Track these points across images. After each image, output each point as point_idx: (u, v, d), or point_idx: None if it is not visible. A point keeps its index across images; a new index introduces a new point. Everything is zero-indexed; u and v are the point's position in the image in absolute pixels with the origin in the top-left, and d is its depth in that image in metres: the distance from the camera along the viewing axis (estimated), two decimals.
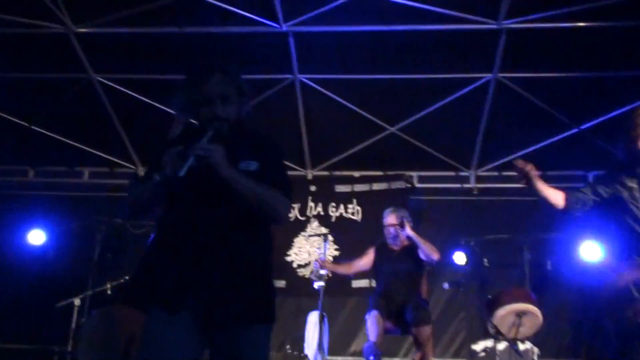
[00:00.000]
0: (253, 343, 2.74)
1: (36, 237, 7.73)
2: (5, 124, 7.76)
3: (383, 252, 6.36)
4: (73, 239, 7.81)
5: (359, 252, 6.63)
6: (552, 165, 7.87)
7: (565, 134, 7.43)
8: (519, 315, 5.86)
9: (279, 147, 3.00)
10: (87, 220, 7.59)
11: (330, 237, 7.65)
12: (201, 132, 2.81)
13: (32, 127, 7.82)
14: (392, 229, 6.31)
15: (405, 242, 6.34)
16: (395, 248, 6.36)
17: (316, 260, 6.28)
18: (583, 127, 7.33)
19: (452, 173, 8.14)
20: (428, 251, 6.02)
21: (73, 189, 8.42)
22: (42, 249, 7.81)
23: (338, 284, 7.32)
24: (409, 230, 6.14)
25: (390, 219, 6.37)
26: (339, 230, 7.80)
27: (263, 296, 2.81)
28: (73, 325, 6.51)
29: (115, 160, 8.36)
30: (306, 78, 7.12)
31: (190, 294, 2.67)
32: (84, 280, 7.38)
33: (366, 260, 6.44)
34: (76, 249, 7.93)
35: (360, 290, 7.58)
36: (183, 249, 2.72)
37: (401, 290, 6.03)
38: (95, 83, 7.25)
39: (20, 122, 7.79)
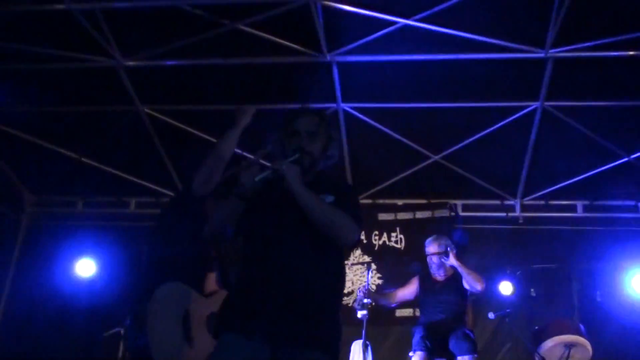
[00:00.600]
0: None
1: (85, 267, 7.89)
2: (55, 156, 7.98)
3: (426, 282, 6.38)
4: (120, 269, 7.96)
5: (402, 281, 6.66)
6: (601, 195, 7.83)
7: (614, 164, 7.38)
8: (568, 347, 5.82)
9: (354, 188, 3.28)
10: (134, 250, 7.75)
11: (373, 266, 7.70)
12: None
13: (82, 158, 8.04)
14: (435, 258, 6.34)
15: (450, 272, 6.35)
16: (439, 278, 6.38)
17: (359, 289, 6.33)
18: (633, 156, 7.28)
19: (497, 202, 8.12)
20: (472, 281, 6.02)
21: (120, 219, 8.59)
22: (91, 279, 7.97)
23: (381, 313, 7.32)
24: (452, 259, 6.17)
25: (432, 247, 6.41)
26: (382, 258, 7.84)
27: (329, 327, 2.88)
28: (120, 354, 6.63)
29: (161, 190, 8.51)
30: (349, 107, 7.20)
31: (260, 318, 2.78)
32: (125, 311, 7.51)
33: (410, 289, 6.46)
34: (124, 279, 8.09)
35: (404, 319, 7.58)
36: (257, 276, 2.86)
37: (445, 321, 6.05)
38: (143, 114, 7.42)
39: (69, 153, 8.01)
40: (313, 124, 3.07)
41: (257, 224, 2.97)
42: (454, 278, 6.29)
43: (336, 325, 2.93)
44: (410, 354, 5.90)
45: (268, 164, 2.95)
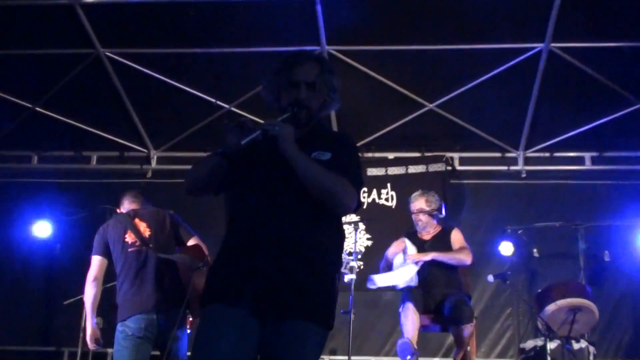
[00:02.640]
0: (302, 341, 2.78)
1: (41, 229, 7.84)
2: (6, 105, 7.89)
3: (413, 242, 6.38)
4: (81, 231, 7.92)
5: (392, 241, 6.66)
6: (610, 146, 7.83)
7: (625, 111, 7.37)
8: (573, 311, 5.85)
9: (354, 143, 3.16)
10: (96, 210, 7.71)
11: (361, 226, 7.67)
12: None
13: (36, 108, 7.94)
14: (422, 216, 6.36)
15: (437, 228, 6.39)
16: (427, 236, 6.40)
17: (345, 251, 6.32)
18: None
19: (497, 154, 8.14)
20: (458, 261, 6.07)
21: (80, 175, 8.57)
22: (48, 241, 7.92)
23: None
24: (417, 256, 6.14)
25: (417, 203, 6.41)
26: (372, 217, 7.79)
27: (322, 296, 2.86)
28: (83, 324, 6.59)
29: (126, 143, 8.49)
30: (335, 50, 7.13)
31: (247, 286, 2.77)
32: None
33: (396, 250, 6.47)
34: (85, 241, 8.03)
35: None
36: (245, 241, 2.84)
37: (438, 284, 6.07)
38: (104, 58, 7.32)
39: (22, 102, 7.92)
40: (313, 74, 3.00)
41: (246, 184, 2.95)
42: (443, 235, 6.32)
43: (333, 294, 2.93)
44: (400, 310, 5.91)
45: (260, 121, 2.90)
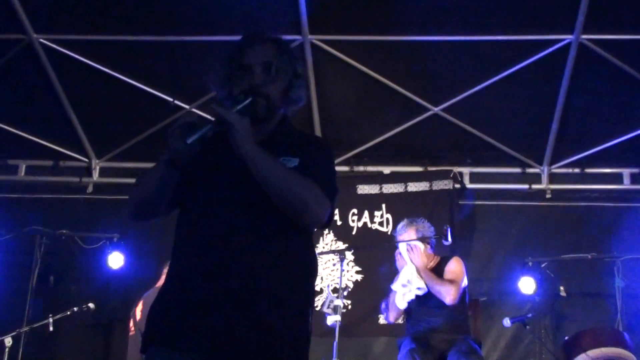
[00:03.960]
0: None
1: None
2: None
3: None
4: (4, 256, 7.87)
5: (389, 276, 6.64)
6: None
7: None
8: None
9: (327, 145, 3.13)
10: (23, 232, 7.66)
11: (349, 255, 7.68)
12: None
13: None
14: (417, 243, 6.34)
15: (434, 262, 6.37)
16: None
17: (329, 286, 6.31)
18: None
19: (516, 169, 8.16)
20: (437, 292, 6.03)
21: (5, 189, 8.51)
22: None
23: (360, 318, 7.34)
24: (410, 258, 6.16)
25: (406, 236, 6.41)
26: (362, 245, 7.81)
27: (290, 338, 2.82)
28: None
29: (62, 150, 8.44)
30: (319, 40, 7.14)
31: (195, 325, 2.74)
32: (18, 311, 7.45)
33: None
34: (8, 270, 7.98)
35: (390, 328, 7.57)
36: (192, 267, 2.82)
37: (440, 330, 6.03)
38: (37, 46, 7.29)
39: None
40: (269, 55, 3.00)
41: (194, 197, 2.94)
42: (440, 266, 6.29)
43: (305, 336, 2.90)
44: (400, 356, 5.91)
45: (208, 117, 2.87)
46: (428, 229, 6.37)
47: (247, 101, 2.88)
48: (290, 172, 2.82)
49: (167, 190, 2.89)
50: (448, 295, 5.97)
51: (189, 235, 2.90)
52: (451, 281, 6.07)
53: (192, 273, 2.81)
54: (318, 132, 7.83)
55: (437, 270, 6.26)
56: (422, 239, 6.31)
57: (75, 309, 7.02)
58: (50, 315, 6.89)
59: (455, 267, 6.22)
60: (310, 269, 2.99)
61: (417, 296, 6.18)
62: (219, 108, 2.79)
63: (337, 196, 2.98)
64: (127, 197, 3.05)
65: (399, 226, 6.49)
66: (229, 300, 2.74)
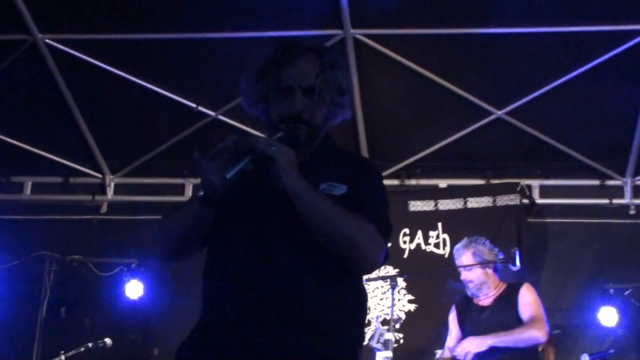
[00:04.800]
0: None
1: None
2: None
3: (466, 311, 6.49)
4: (9, 285, 7.93)
5: (447, 305, 6.63)
6: None
7: None
8: None
9: (377, 170, 3.18)
10: (30, 258, 7.70)
11: (401, 282, 7.63)
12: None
13: None
14: (471, 274, 6.41)
15: (501, 287, 6.43)
16: (485, 301, 6.45)
17: (378, 318, 6.27)
18: None
19: (595, 182, 8.09)
20: (527, 342, 6.04)
21: (9, 209, 8.58)
22: None
23: (414, 354, 7.32)
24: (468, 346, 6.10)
25: (464, 259, 6.44)
26: (415, 271, 7.77)
27: None
28: None
29: (73, 165, 8.51)
30: (363, 34, 7.13)
31: None
32: (26, 348, 7.48)
33: (453, 335, 6.50)
34: (14, 301, 8.03)
35: None
36: (228, 310, 2.85)
37: None
38: (42, 47, 7.33)
39: None
40: (312, 74, 3.01)
41: (228, 231, 2.97)
42: (509, 296, 6.31)
43: None
44: None
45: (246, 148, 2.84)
46: (489, 252, 6.42)
47: (284, 132, 2.93)
48: (342, 212, 2.83)
49: (202, 229, 2.94)
50: (539, 336, 6.05)
51: (224, 275, 2.91)
52: (532, 319, 6.09)
53: (230, 310, 2.84)
54: (363, 141, 7.89)
55: (506, 301, 6.28)
56: (482, 264, 6.28)
57: (89, 344, 7.05)
58: (62, 352, 6.91)
59: (530, 298, 6.25)
60: (361, 308, 3.02)
61: (474, 329, 6.27)
62: (258, 143, 2.79)
63: (391, 233, 3.01)
64: (146, 217, 3.08)
65: (456, 247, 6.54)
66: (273, 345, 2.77)
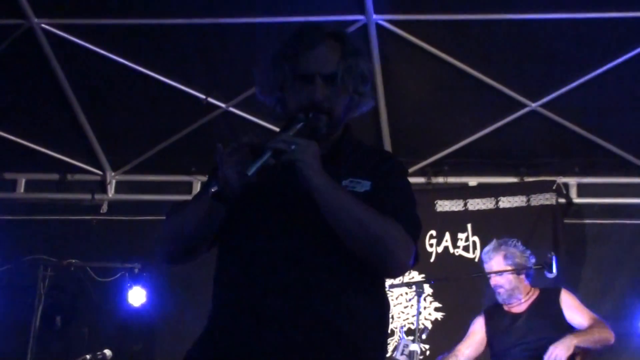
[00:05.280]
0: None
1: None
2: None
3: (496, 318, 6.47)
4: (1, 292, 7.92)
5: (476, 313, 6.66)
6: None
7: None
8: None
9: (402, 165, 3.17)
10: (24, 261, 7.70)
11: (427, 289, 7.64)
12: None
13: None
14: (501, 279, 6.38)
15: (533, 293, 6.43)
16: (518, 308, 6.42)
17: (402, 328, 6.33)
18: None
19: (638, 179, 8.09)
20: (602, 344, 6.10)
21: (1, 208, 8.57)
22: None
23: None
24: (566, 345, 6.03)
25: (494, 263, 6.43)
26: (443, 276, 7.75)
27: None
28: None
29: (70, 161, 8.51)
30: (386, 20, 7.12)
31: None
32: (20, 357, 7.49)
33: (474, 342, 6.50)
34: (6, 308, 8.02)
35: None
36: (244, 313, 2.84)
37: None
38: (38, 32, 7.32)
39: None
40: (333, 61, 3.01)
41: (244, 229, 2.96)
42: (546, 302, 6.32)
43: None
44: None
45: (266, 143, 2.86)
46: (521, 255, 6.42)
47: (304, 123, 2.94)
48: (369, 211, 2.83)
49: (212, 228, 2.93)
50: (610, 340, 6.11)
51: (240, 276, 2.91)
52: (594, 321, 6.13)
53: (246, 317, 2.84)
54: (386, 135, 7.90)
55: (543, 307, 6.31)
56: (516, 270, 6.25)
57: (87, 356, 7.04)
58: None
59: (575, 302, 6.35)
60: (385, 316, 3.04)
61: (506, 340, 6.31)
62: (278, 142, 2.81)
63: (420, 233, 3.02)
64: (150, 217, 3.06)
65: (485, 250, 6.53)
66: (291, 351, 2.77)
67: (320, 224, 2.82)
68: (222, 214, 2.89)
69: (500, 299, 6.42)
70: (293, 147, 2.79)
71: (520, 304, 6.38)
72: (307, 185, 2.80)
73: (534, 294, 6.39)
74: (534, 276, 6.46)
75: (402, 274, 3.05)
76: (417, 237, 2.95)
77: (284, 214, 2.92)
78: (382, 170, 3.02)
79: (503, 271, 6.31)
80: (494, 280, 6.38)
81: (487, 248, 6.52)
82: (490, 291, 6.57)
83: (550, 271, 6.30)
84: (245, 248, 2.92)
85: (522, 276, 6.36)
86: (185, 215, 2.96)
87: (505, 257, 6.36)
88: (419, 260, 2.97)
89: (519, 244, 6.48)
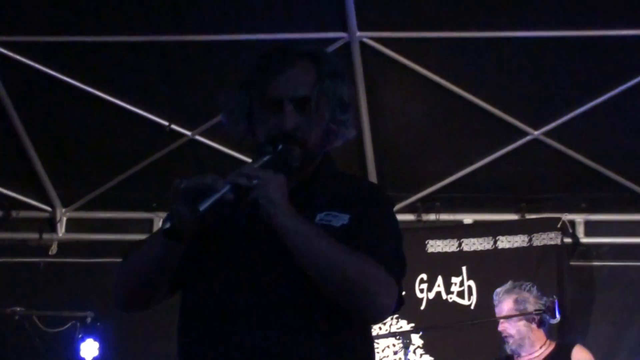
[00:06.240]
0: None
1: None
2: None
3: None
4: None
5: None
6: None
7: None
8: None
9: (386, 197, 3.18)
10: None
11: (416, 340, 7.69)
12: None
13: None
14: (509, 327, 6.41)
15: (548, 347, 6.44)
16: None
17: None
18: None
19: None
20: None
21: None
22: None
23: None
24: None
25: (504, 305, 6.47)
26: (435, 324, 7.81)
27: None
28: None
29: (15, 195, 8.49)
30: (370, 37, 7.17)
31: None
32: None
33: None
34: None
35: None
36: None
37: None
38: None
39: None
40: (306, 83, 2.99)
41: (206, 273, 2.95)
42: (556, 357, 6.34)
43: None
44: None
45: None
46: (535, 301, 6.41)
47: (272, 156, 2.91)
48: (342, 250, 2.80)
49: (168, 271, 2.91)
50: None
51: (201, 326, 2.91)
52: None
53: None
54: (371, 166, 7.91)
55: (556, 352, 6.35)
56: (520, 315, 6.31)
57: None
58: None
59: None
60: None
61: None
62: (239, 176, 2.79)
63: (404, 275, 2.99)
64: (105, 260, 3.08)
65: (497, 291, 6.57)
66: None
67: (293, 265, 2.79)
68: (179, 254, 2.87)
69: (509, 349, 6.46)
70: (255, 181, 2.76)
71: (531, 356, 6.41)
72: (272, 222, 2.77)
73: (550, 346, 6.42)
74: (551, 327, 6.51)
75: (383, 319, 2.94)
76: (401, 276, 2.92)
77: (252, 253, 2.90)
78: (362, 201, 2.99)
79: (510, 316, 6.37)
80: (502, 327, 6.44)
81: (499, 289, 6.55)
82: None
83: (553, 316, 6.33)
84: (209, 296, 2.90)
85: (534, 325, 6.38)
86: (140, 256, 2.93)
87: (517, 302, 6.38)
88: (403, 303, 2.95)
89: (535, 288, 6.48)
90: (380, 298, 2.85)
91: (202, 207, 2.71)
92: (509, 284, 6.52)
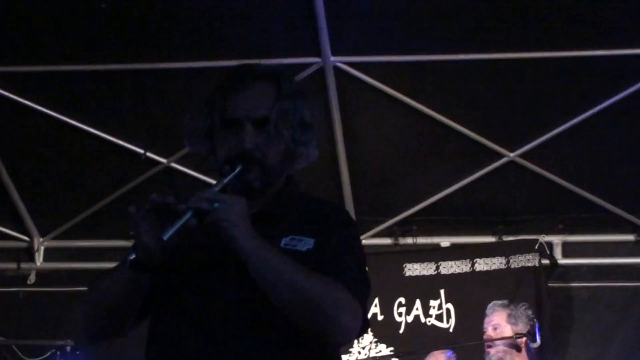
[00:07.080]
0: None
1: None
2: None
3: None
4: None
5: None
6: None
7: None
8: None
9: (351, 219, 3.20)
10: None
11: None
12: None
13: None
14: (492, 348, 6.39)
15: None
16: None
17: None
18: None
19: (629, 237, 8.14)
20: None
21: None
22: None
23: None
24: None
25: (495, 317, 6.47)
26: (414, 349, 7.69)
27: None
28: None
29: None
30: (344, 62, 7.17)
31: None
32: None
33: None
34: None
35: None
36: None
37: None
38: None
39: None
40: (265, 104, 2.99)
41: (170, 300, 2.96)
42: None
43: None
44: None
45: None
46: (527, 322, 6.42)
47: (234, 173, 2.90)
48: (304, 274, 2.81)
49: (135, 300, 2.90)
50: None
51: (173, 349, 2.89)
52: None
53: None
54: (347, 190, 7.90)
55: None
56: (505, 338, 6.29)
57: None
58: None
59: None
60: None
61: None
62: (200, 201, 2.76)
63: (368, 297, 3.00)
64: (83, 288, 3.03)
65: (492, 302, 6.60)
66: None
67: (254, 290, 2.80)
68: (145, 283, 2.86)
69: None
70: (216, 205, 2.75)
71: None
72: (233, 245, 2.77)
73: None
74: (538, 353, 6.50)
75: (349, 341, 2.96)
76: (365, 298, 2.93)
77: (217, 279, 2.90)
78: (327, 225, 3.01)
79: (485, 341, 6.35)
80: (488, 335, 6.48)
81: (494, 302, 6.59)
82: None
83: (534, 340, 6.33)
84: (175, 323, 2.90)
85: (515, 351, 6.36)
86: (106, 286, 2.90)
87: (510, 316, 6.43)
88: (369, 326, 2.96)
89: (529, 311, 6.53)
90: (343, 320, 2.84)
91: (166, 237, 2.67)
92: (506, 301, 6.57)
